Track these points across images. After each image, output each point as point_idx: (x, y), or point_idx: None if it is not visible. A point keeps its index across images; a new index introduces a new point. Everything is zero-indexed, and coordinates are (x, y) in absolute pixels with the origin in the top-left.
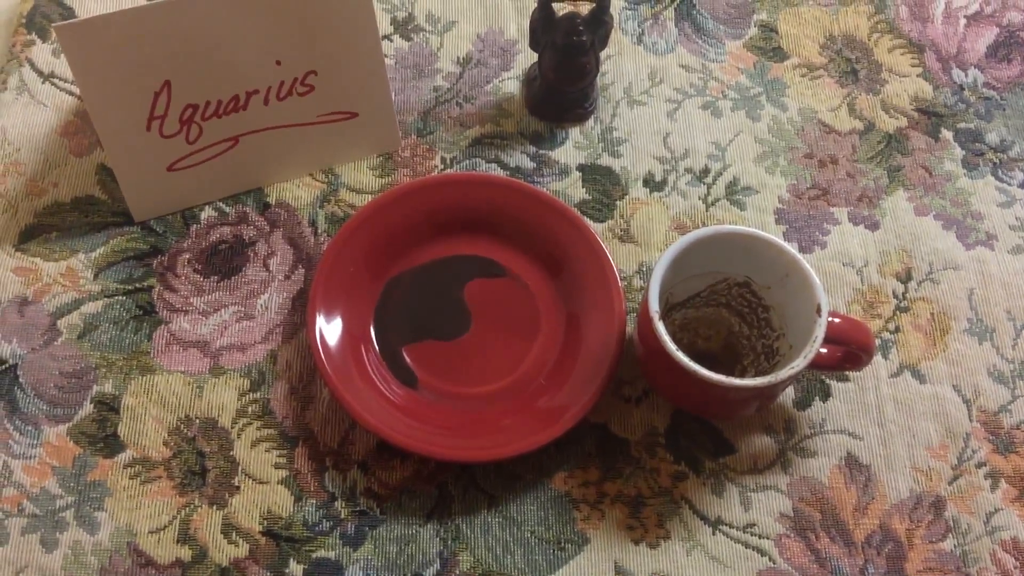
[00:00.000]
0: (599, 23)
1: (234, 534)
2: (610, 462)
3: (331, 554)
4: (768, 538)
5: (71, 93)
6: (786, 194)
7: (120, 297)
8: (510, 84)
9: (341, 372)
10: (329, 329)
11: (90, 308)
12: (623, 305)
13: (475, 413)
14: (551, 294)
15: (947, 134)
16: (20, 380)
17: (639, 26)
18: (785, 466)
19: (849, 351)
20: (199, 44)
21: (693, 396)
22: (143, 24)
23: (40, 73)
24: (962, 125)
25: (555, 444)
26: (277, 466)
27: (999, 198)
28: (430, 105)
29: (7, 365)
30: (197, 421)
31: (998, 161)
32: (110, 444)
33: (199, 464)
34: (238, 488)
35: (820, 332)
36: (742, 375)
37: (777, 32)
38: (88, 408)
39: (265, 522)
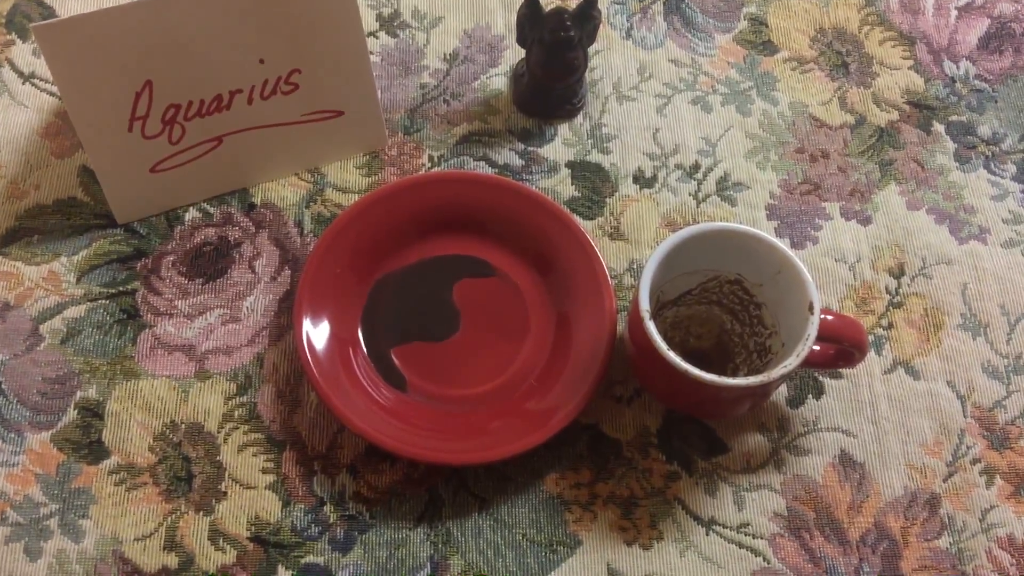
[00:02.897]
0: (587, 18)
1: (221, 540)
2: (602, 463)
3: (320, 559)
4: (762, 538)
5: (52, 94)
6: (777, 189)
7: (103, 301)
8: (498, 80)
9: (329, 375)
10: (316, 332)
11: (73, 312)
12: (614, 304)
13: (465, 415)
14: (541, 293)
15: (939, 127)
16: (2, 386)
17: (627, 20)
18: (779, 465)
19: (842, 348)
20: (181, 43)
21: (685, 395)
22: (123, 23)
23: (20, 74)
24: (954, 118)
25: (546, 445)
26: (264, 471)
27: (992, 191)
28: (417, 102)
29: None
30: (183, 426)
31: (990, 154)
32: (94, 450)
33: (185, 470)
34: (225, 494)
35: (812, 330)
36: (734, 373)
37: (767, 25)
38: (72, 414)
39: (253, 528)
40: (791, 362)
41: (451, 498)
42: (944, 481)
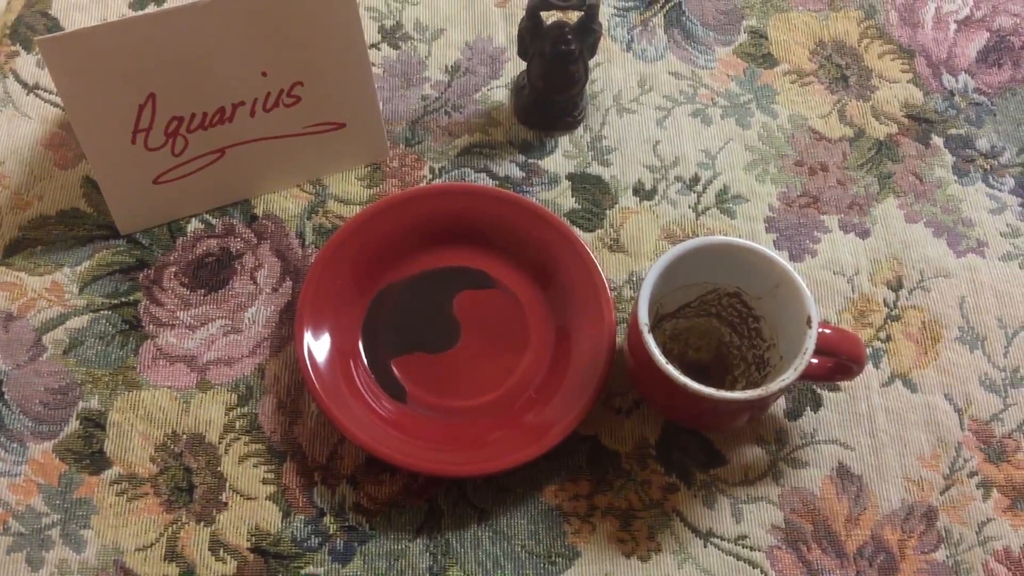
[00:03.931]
0: (588, 31)
1: (222, 551)
2: (601, 474)
3: (320, 570)
4: (760, 550)
5: (56, 105)
6: (776, 202)
7: (106, 311)
8: (499, 92)
9: (329, 387)
10: (317, 343)
11: (75, 323)
12: (613, 316)
13: (465, 426)
14: (541, 305)
15: (938, 140)
16: (5, 396)
17: (628, 33)
18: (776, 477)
19: (840, 362)
20: (184, 56)
21: (684, 408)
22: (127, 37)
23: (24, 85)
24: (953, 131)
25: (545, 457)
26: (265, 481)
27: (990, 204)
28: (418, 114)
29: None
30: (184, 437)
31: (989, 167)
32: (96, 461)
33: (186, 480)
34: (226, 504)
35: (810, 344)
36: (732, 385)
37: (767, 38)
38: (74, 424)
39: (253, 538)
40: (789, 376)
41: (450, 509)
42: (941, 494)
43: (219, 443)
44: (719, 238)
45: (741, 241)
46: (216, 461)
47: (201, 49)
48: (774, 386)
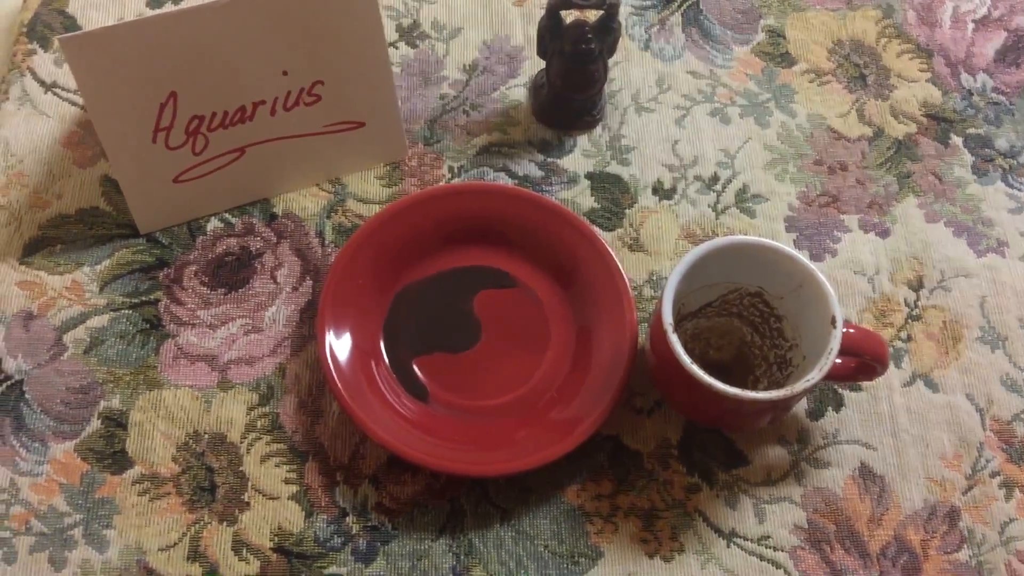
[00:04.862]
0: (607, 30)
1: (245, 551)
2: (623, 475)
3: (343, 570)
4: (783, 550)
5: (74, 103)
6: (796, 201)
7: (126, 311)
8: (517, 91)
9: (351, 386)
10: (339, 343)
11: (96, 322)
12: (634, 315)
13: (487, 426)
14: (561, 304)
15: (956, 140)
16: (26, 396)
17: (646, 32)
18: (799, 477)
19: (863, 362)
20: (205, 55)
21: (706, 408)
22: (149, 35)
23: (42, 83)
24: (971, 131)
25: (567, 457)
26: (287, 481)
27: (1009, 204)
28: (437, 113)
29: (13, 381)
30: (206, 436)
31: (1008, 167)
32: (118, 460)
33: (208, 480)
34: (248, 504)
35: (835, 344)
36: (754, 385)
37: (785, 37)
38: (95, 424)
39: (276, 538)
40: (814, 376)
41: (473, 509)
42: (963, 494)
43: (241, 442)
44: (742, 238)
45: (764, 241)
46: (238, 461)
47: (223, 48)
48: (799, 386)
